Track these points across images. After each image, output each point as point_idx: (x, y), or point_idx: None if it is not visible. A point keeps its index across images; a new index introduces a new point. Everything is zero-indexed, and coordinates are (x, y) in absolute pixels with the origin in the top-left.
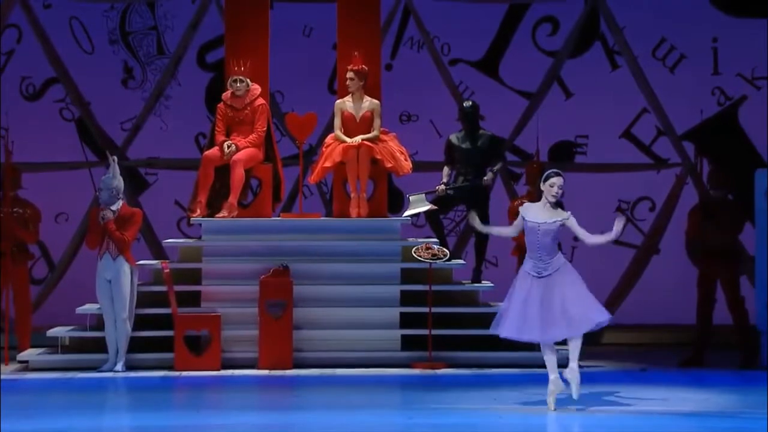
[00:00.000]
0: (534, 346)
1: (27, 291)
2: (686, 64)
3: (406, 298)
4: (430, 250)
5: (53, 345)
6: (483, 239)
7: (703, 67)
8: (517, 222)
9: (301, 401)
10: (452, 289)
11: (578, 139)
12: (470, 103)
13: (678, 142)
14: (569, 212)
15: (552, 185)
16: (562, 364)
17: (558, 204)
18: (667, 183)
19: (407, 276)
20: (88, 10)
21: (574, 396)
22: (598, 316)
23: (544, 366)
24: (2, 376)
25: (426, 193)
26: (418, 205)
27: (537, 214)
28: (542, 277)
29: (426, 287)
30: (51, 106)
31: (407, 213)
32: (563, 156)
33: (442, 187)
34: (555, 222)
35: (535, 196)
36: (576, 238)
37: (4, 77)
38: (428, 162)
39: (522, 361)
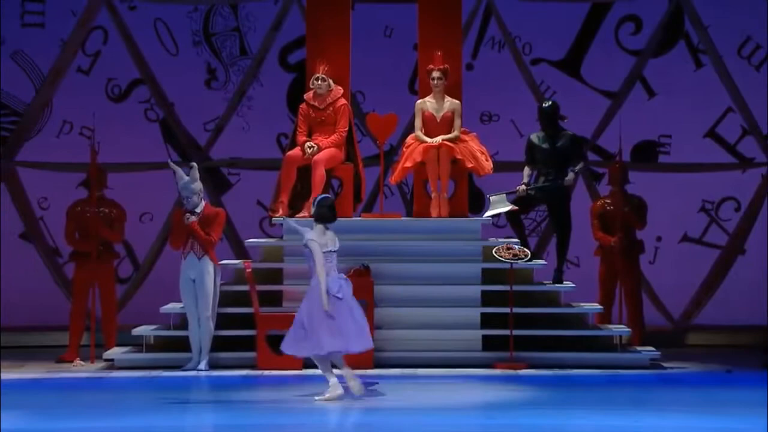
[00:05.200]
0: (615, 347)
1: (113, 290)
2: None
3: (487, 299)
4: (511, 251)
5: (138, 344)
6: (565, 239)
7: None
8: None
9: (382, 401)
10: (533, 290)
11: (661, 138)
12: (549, 102)
13: (764, 141)
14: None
15: None
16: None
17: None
18: (753, 183)
19: (488, 276)
20: (172, 11)
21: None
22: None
23: (625, 367)
24: (89, 374)
25: (507, 194)
26: (500, 206)
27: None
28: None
29: (507, 288)
30: (136, 107)
31: (488, 213)
32: (646, 156)
33: (523, 187)
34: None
35: (618, 196)
36: (659, 238)
37: (91, 78)
38: (509, 162)
39: (604, 362)
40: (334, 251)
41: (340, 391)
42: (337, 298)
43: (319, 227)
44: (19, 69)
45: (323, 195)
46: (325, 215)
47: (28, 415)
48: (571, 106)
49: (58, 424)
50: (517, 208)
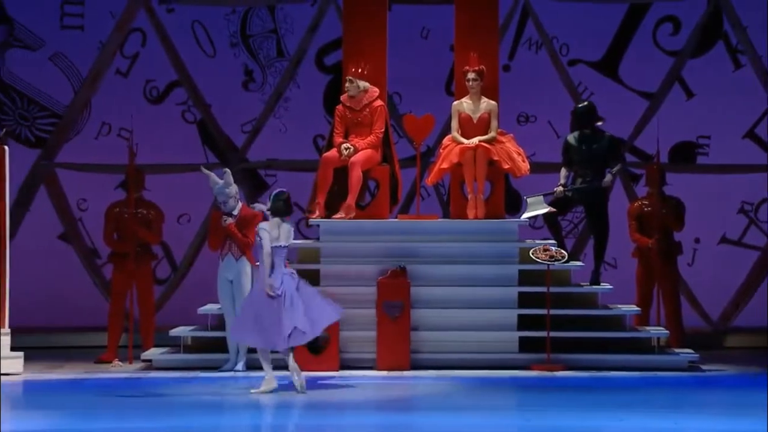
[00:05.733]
0: (653, 349)
1: (151, 291)
2: None
3: (524, 300)
4: (547, 252)
5: (175, 344)
6: (603, 241)
7: None
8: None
9: (419, 402)
10: (570, 291)
11: (700, 139)
12: (585, 103)
13: None
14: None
15: None
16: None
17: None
18: None
19: (525, 278)
20: (209, 13)
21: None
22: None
23: (663, 369)
24: (127, 375)
25: (544, 195)
26: (537, 208)
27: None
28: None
29: (544, 289)
30: (173, 108)
31: (525, 215)
32: (684, 157)
33: (560, 188)
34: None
35: (656, 198)
36: (697, 240)
37: (129, 80)
38: (546, 163)
39: (641, 364)
40: (285, 246)
41: (274, 384)
42: (277, 295)
43: (275, 220)
44: (58, 71)
45: (279, 190)
46: (280, 209)
47: (68, 415)
48: (608, 107)
49: (97, 424)
50: (554, 210)
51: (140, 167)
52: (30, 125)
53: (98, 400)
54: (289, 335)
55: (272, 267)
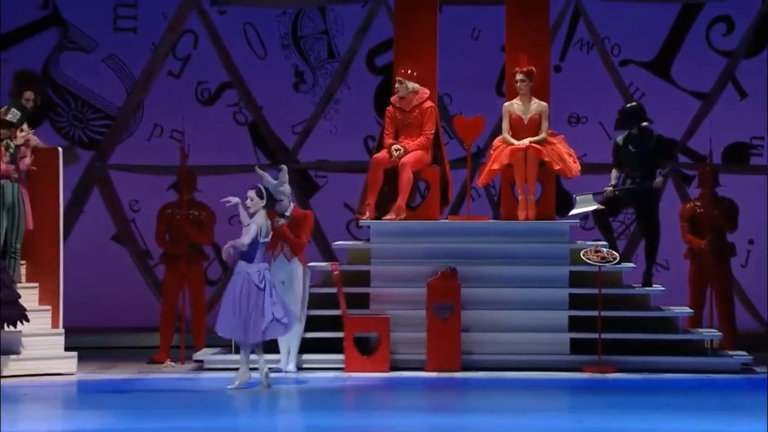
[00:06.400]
0: (706, 351)
1: (202, 292)
2: None
3: (575, 302)
4: (599, 253)
5: (227, 345)
6: (654, 242)
7: None
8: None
9: (470, 404)
10: (622, 293)
11: (753, 140)
12: (633, 104)
13: None
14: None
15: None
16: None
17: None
18: None
19: (576, 279)
20: (261, 15)
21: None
22: None
23: (716, 371)
24: (179, 375)
25: (594, 194)
26: (585, 205)
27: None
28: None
29: (595, 290)
30: (225, 110)
31: (573, 212)
32: (737, 158)
33: (610, 188)
34: None
35: (708, 199)
36: (751, 241)
37: (181, 82)
38: (597, 164)
39: (694, 366)
40: (266, 241)
41: (245, 378)
42: (259, 288)
43: (263, 213)
44: (111, 73)
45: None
46: (266, 205)
47: (120, 415)
48: (660, 108)
49: (149, 424)
50: (603, 207)
51: (192, 168)
52: (83, 127)
53: (150, 400)
54: (266, 329)
55: (254, 259)
